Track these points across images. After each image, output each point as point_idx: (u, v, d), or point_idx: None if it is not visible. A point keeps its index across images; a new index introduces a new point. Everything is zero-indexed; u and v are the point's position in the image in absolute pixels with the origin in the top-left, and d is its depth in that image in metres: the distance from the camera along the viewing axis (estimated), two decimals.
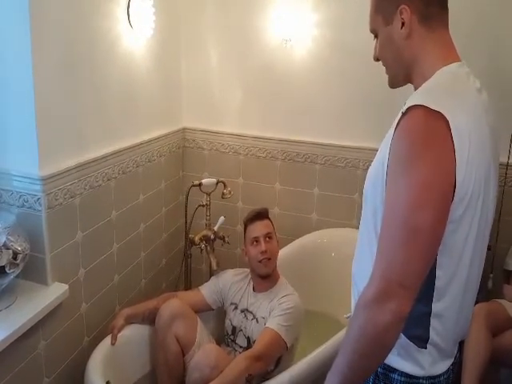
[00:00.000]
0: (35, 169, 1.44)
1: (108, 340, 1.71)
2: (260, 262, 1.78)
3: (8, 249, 1.37)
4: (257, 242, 1.80)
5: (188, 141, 2.55)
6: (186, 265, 2.25)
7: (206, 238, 2.14)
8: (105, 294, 1.88)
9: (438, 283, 0.88)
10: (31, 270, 1.49)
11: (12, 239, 1.39)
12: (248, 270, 1.92)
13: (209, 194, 2.17)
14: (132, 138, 1.98)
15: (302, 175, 2.40)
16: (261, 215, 1.85)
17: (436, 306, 0.90)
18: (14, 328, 1.32)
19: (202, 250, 2.12)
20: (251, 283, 1.90)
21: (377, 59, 1.03)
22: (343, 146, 2.30)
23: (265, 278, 1.83)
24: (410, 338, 0.91)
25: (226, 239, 2.16)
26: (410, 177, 0.80)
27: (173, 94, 2.39)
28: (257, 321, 1.81)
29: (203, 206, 2.16)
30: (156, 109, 2.20)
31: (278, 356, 1.72)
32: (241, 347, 1.83)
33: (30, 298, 1.45)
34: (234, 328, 1.87)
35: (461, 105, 0.84)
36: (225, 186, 2.19)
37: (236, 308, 1.89)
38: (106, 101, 1.77)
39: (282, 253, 2.03)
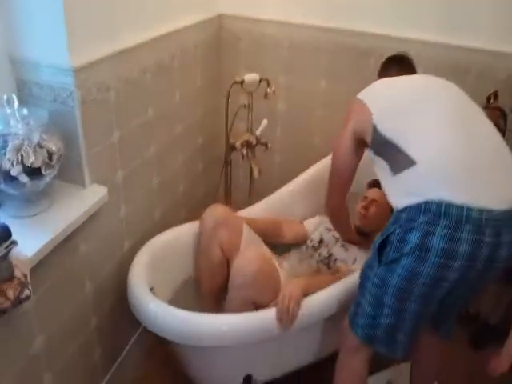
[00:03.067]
0: (66, 58, 1.25)
1: (151, 244, 1.66)
2: (359, 212, 1.88)
3: (42, 148, 1.24)
4: (365, 198, 1.90)
5: (224, 29, 2.27)
6: (226, 172, 2.11)
7: (247, 144, 1.98)
8: (144, 198, 1.78)
9: None
10: (67, 171, 1.37)
11: (45, 138, 1.25)
12: None
13: (251, 94, 1.96)
14: (166, 25, 1.74)
15: (355, 73, 2.14)
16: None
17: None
18: (56, 233, 1.24)
19: (243, 156, 1.98)
20: None
21: None
22: (407, 39, 1.99)
23: (359, 234, 1.87)
24: None
25: (269, 145, 2.02)
26: None
27: None
28: (344, 248, 1.84)
29: (245, 106, 1.97)
30: None
31: None
32: (319, 256, 1.85)
33: (68, 201, 1.35)
34: (321, 240, 1.90)
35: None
36: (268, 84, 1.97)
37: (328, 230, 1.92)
38: None
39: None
